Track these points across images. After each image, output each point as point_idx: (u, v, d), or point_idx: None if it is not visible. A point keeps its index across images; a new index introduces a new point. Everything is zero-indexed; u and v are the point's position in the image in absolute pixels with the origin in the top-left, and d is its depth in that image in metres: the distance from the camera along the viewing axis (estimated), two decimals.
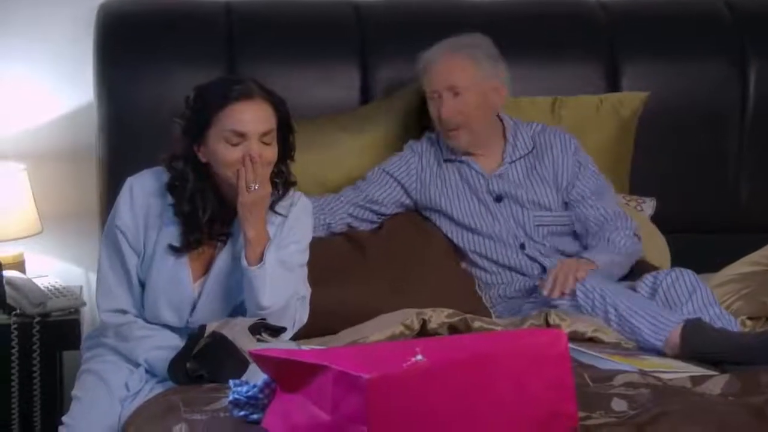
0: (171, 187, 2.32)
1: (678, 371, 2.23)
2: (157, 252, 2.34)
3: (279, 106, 2.31)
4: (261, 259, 2.28)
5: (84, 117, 3.21)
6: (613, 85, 3.31)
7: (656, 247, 3.02)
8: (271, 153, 2.29)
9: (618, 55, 3.32)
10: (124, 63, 3.07)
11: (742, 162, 3.39)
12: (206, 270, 2.37)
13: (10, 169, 3.08)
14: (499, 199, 2.85)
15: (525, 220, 2.84)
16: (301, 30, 3.19)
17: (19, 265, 3.08)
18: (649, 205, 3.18)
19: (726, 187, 3.39)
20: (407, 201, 2.91)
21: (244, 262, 2.28)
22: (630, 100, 3.24)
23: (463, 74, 2.81)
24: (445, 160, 2.89)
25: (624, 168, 3.26)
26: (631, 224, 2.84)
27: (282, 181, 2.37)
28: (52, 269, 3.22)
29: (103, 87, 3.06)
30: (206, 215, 2.31)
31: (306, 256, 2.45)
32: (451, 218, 2.86)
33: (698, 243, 3.19)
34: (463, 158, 2.88)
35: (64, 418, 2.31)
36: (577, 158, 2.89)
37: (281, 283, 2.31)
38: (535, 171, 2.87)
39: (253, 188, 2.25)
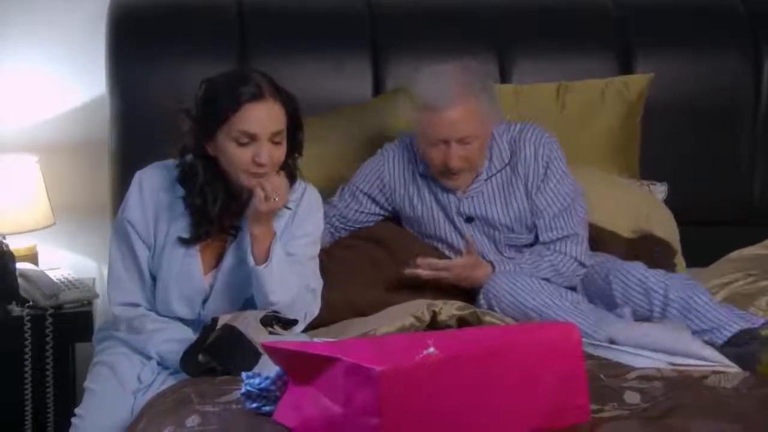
0: (181, 180, 2.33)
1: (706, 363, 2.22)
2: (168, 245, 2.35)
3: (289, 104, 2.30)
4: (267, 255, 2.28)
5: (96, 110, 3.21)
6: (626, 74, 3.30)
7: (668, 230, 3.01)
8: (281, 152, 2.29)
9: (630, 46, 3.31)
10: (136, 56, 3.08)
11: (755, 154, 3.38)
12: (217, 263, 2.38)
13: (23, 162, 3.08)
14: (469, 220, 2.76)
15: (497, 239, 2.75)
16: (312, 23, 3.19)
17: (32, 257, 3.09)
18: (660, 190, 3.17)
19: (739, 180, 3.38)
20: (384, 212, 2.83)
21: (251, 260, 2.28)
22: (635, 82, 3.22)
23: (474, 124, 2.62)
24: (421, 175, 2.78)
25: (632, 151, 3.24)
26: (578, 250, 2.70)
27: (288, 173, 2.36)
28: (65, 261, 3.23)
29: (115, 80, 3.07)
30: (216, 207, 2.32)
31: (317, 249, 2.45)
32: (421, 232, 2.80)
33: (710, 235, 3.18)
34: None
35: (76, 410, 2.32)
36: (548, 164, 2.73)
37: (289, 277, 2.31)
38: (510, 184, 2.74)
39: (273, 199, 2.25)
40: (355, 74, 3.17)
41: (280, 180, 2.28)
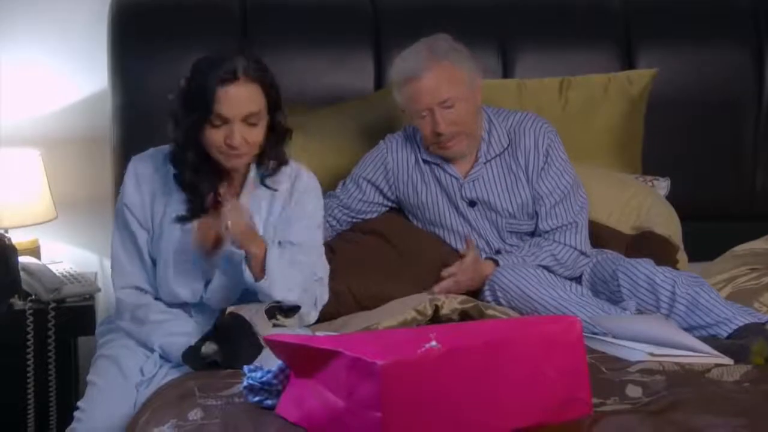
0: (173, 161, 2.35)
1: (699, 355, 2.22)
2: (165, 226, 2.37)
3: (268, 86, 2.30)
4: (263, 267, 2.27)
5: (98, 103, 3.22)
6: (628, 69, 3.29)
7: (670, 226, 3.01)
8: (256, 133, 2.30)
9: (632, 39, 3.31)
10: (138, 49, 3.08)
11: (758, 148, 3.38)
12: (216, 244, 2.36)
13: (25, 155, 3.08)
14: (472, 204, 2.77)
15: (500, 225, 2.78)
16: (315, 16, 3.19)
17: (35, 251, 3.09)
18: (662, 185, 3.17)
19: (742, 174, 3.37)
20: (387, 202, 2.85)
21: (249, 279, 2.27)
22: (639, 77, 3.22)
23: (453, 85, 2.65)
24: (424, 161, 2.80)
25: (635, 147, 3.23)
26: (577, 239, 2.72)
27: (275, 157, 2.37)
28: (67, 255, 3.24)
29: (117, 73, 3.07)
30: (206, 185, 2.32)
31: (320, 234, 2.47)
32: (425, 220, 2.82)
33: (713, 229, 3.18)
34: (439, 161, 2.78)
35: (79, 403, 2.32)
36: (548, 151, 2.76)
37: (292, 276, 2.32)
38: (510, 171, 2.76)
39: (226, 227, 2.24)
40: (357, 68, 3.17)
41: (232, 203, 2.27)
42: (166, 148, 2.39)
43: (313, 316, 2.41)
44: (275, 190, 2.39)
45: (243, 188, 2.38)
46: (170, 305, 2.40)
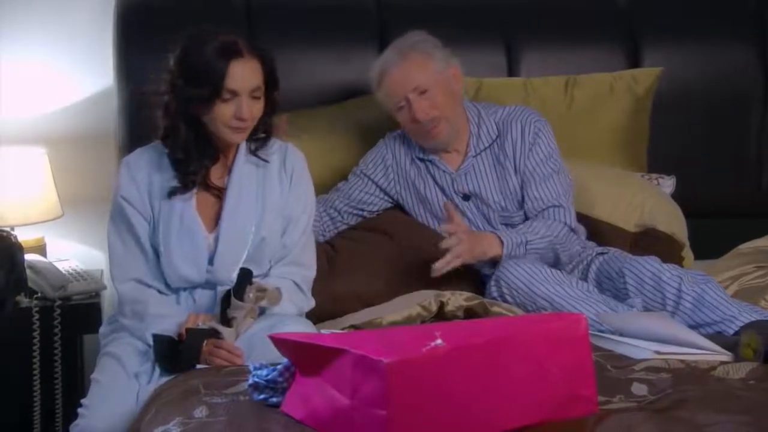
0: (165, 138, 2.41)
1: (705, 353, 2.21)
2: (164, 213, 2.40)
3: (266, 62, 2.39)
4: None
5: (104, 101, 3.22)
6: (634, 67, 3.29)
7: (675, 223, 3.01)
8: (259, 107, 2.39)
9: (638, 36, 3.31)
10: (144, 47, 3.07)
11: (763, 145, 3.38)
12: (217, 222, 2.42)
13: (30, 154, 3.09)
14: (466, 198, 2.81)
15: (493, 218, 2.80)
16: (320, 15, 3.20)
17: (41, 249, 3.10)
18: (667, 183, 3.16)
19: (748, 171, 3.37)
20: (387, 197, 2.89)
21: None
22: (644, 76, 3.22)
23: (422, 72, 2.73)
24: (419, 159, 2.85)
25: (641, 146, 3.24)
26: (566, 216, 2.75)
27: (264, 129, 2.45)
28: (73, 253, 3.24)
29: (122, 71, 3.07)
30: (195, 162, 2.39)
31: (310, 221, 2.50)
32: (427, 214, 2.84)
33: (719, 227, 3.18)
34: (431, 157, 2.83)
35: (83, 401, 2.33)
36: (535, 139, 2.79)
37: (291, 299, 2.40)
38: (498, 162, 2.80)
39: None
40: (362, 67, 3.16)
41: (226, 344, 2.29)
42: (153, 144, 2.45)
43: (307, 300, 2.46)
44: (266, 161, 2.45)
45: (234, 164, 2.44)
46: (177, 290, 2.43)
